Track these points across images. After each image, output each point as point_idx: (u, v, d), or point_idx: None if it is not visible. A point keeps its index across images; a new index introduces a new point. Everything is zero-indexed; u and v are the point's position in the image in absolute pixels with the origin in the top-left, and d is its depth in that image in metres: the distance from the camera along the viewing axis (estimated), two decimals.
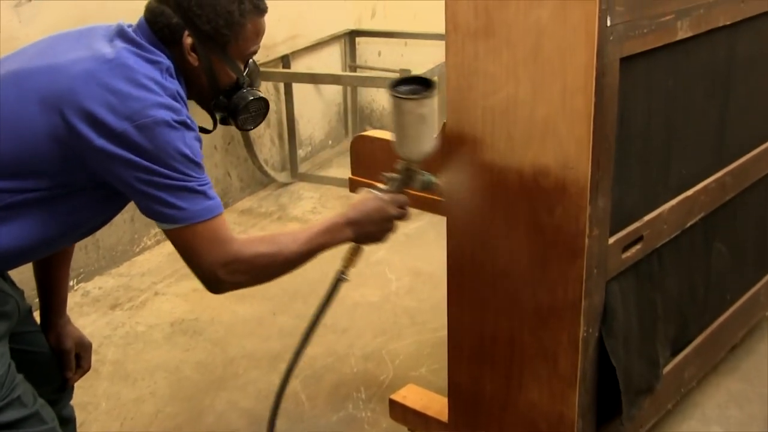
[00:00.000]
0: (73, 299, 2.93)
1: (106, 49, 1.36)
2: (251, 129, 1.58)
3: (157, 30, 1.42)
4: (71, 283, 3.05)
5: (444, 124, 1.64)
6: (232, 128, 3.75)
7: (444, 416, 1.90)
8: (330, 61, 4.51)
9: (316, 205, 3.84)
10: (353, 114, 4.73)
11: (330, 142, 4.63)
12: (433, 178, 1.63)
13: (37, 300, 1.67)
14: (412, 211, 1.63)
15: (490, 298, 1.69)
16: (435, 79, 1.56)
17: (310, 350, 2.59)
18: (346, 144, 4.49)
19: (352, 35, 4.59)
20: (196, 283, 1.40)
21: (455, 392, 1.85)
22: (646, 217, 1.71)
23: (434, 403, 1.98)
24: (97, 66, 1.33)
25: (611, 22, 1.39)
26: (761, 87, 2.05)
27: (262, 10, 1.47)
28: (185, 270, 1.39)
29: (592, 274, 1.55)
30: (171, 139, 1.31)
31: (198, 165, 1.35)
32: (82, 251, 3.08)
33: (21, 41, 1.56)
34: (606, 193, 1.53)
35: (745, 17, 1.80)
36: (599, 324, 1.63)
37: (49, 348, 1.63)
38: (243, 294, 3.03)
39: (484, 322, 1.72)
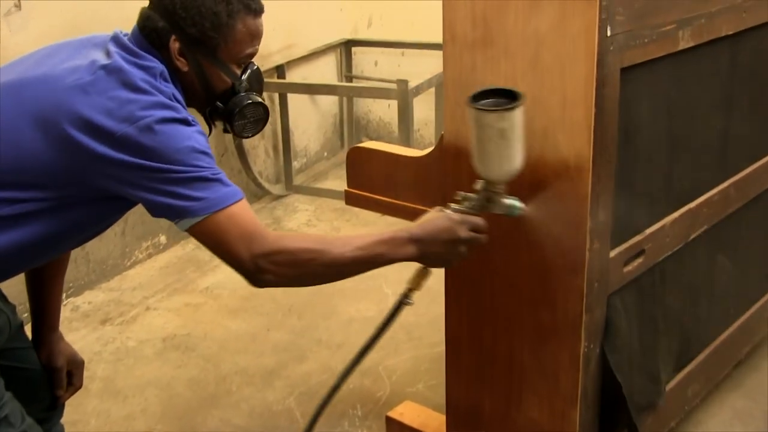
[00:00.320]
0: (62, 314, 2.87)
1: (101, 57, 1.34)
2: (250, 136, 1.52)
3: (147, 35, 1.39)
4: None
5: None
6: (226, 139, 3.80)
7: None
8: (326, 71, 4.49)
9: (311, 218, 3.80)
10: (349, 125, 4.71)
11: (325, 153, 4.60)
12: (517, 203, 1.48)
13: (29, 314, 1.63)
14: None
15: (489, 312, 1.67)
16: (521, 92, 1.38)
17: (305, 366, 2.58)
18: (342, 156, 4.47)
19: (349, 45, 4.57)
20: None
21: (453, 409, 1.83)
22: (648, 230, 1.69)
23: (432, 421, 1.97)
24: (91, 73, 1.30)
25: (611, 31, 1.37)
26: (765, 97, 2.03)
27: (254, 10, 1.41)
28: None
29: (593, 288, 1.53)
30: (174, 135, 1.27)
31: (207, 155, 1.30)
32: (72, 265, 3.02)
33: (11, 50, 1.54)
34: (607, 205, 1.51)
35: (747, 27, 1.79)
36: (601, 339, 1.61)
37: (40, 365, 1.59)
38: (236, 309, 3.02)
39: (482, 337, 1.70)
